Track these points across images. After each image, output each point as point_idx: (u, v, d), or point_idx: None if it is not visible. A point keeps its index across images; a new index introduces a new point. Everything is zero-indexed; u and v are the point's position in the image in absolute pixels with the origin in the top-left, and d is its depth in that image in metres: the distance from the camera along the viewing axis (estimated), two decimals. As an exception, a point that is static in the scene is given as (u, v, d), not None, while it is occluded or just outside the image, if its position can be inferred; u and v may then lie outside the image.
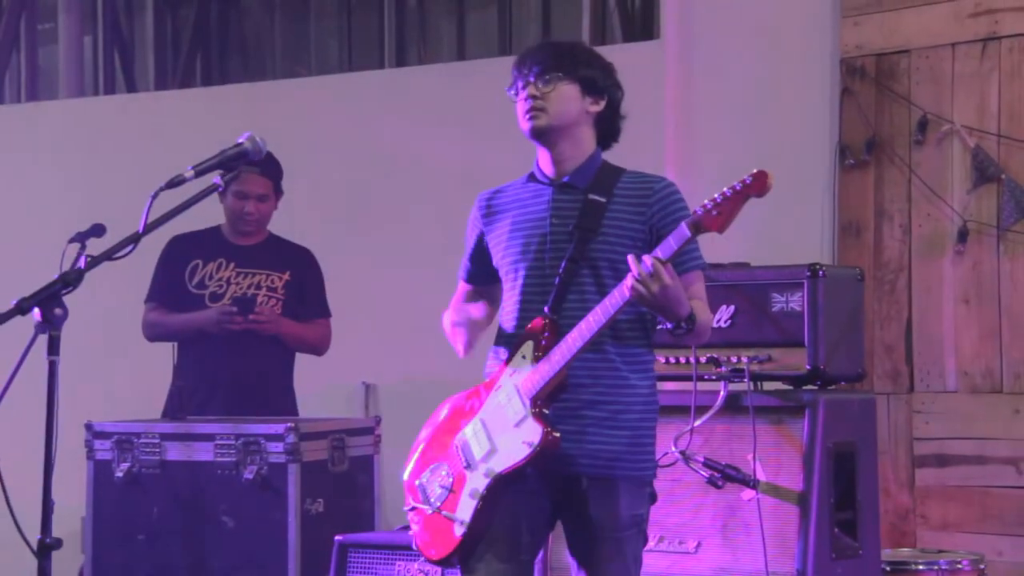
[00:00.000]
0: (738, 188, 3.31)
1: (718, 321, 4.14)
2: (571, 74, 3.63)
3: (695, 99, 5.79)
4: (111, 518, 5.20)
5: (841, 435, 4.05)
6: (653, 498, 3.61)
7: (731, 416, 4.01)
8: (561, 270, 3.55)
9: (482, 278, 3.82)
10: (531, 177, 3.73)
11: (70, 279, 3.01)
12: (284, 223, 5.79)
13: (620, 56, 6.54)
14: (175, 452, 5.11)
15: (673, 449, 3.99)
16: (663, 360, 4.19)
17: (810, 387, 4.09)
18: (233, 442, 5.00)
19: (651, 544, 4.08)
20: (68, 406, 5.27)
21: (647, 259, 3.32)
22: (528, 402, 3.47)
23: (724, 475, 3.95)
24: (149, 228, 3.05)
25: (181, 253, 5.66)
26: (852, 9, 5.72)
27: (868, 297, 5.46)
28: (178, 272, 5.65)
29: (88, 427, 5.27)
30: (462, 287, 3.90)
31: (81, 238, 5.15)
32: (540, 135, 3.63)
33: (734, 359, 4.10)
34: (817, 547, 3.94)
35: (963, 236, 5.51)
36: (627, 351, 3.54)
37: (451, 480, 3.58)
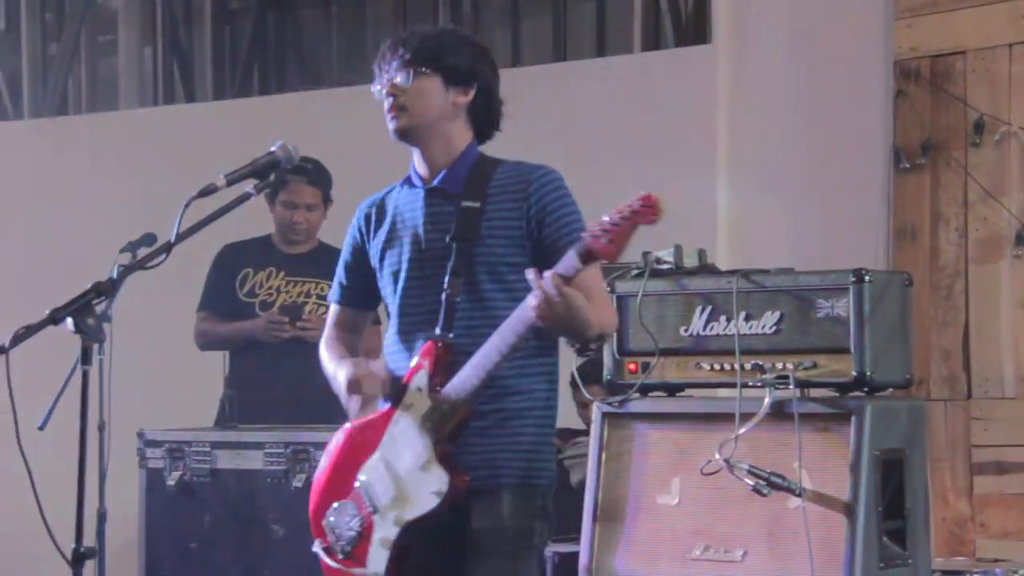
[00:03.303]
0: (627, 215, 3.09)
1: (763, 327, 4.08)
2: (431, 65, 3.40)
3: (747, 103, 5.75)
4: (163, 526, 5.25)
5: (889, 442, 3.98)
6: (547, 514, 3.45)
7: (776, 423, 3.95)
8: (446, 285, 3.38)
9: (359, 298, 3.63)
10: (407, 180, 3.55)
11: (103, 289, 3.02)
12: (335, 231, 5.80)
13: (672, 60, 6.61)
14: (225, 460, 5.14)
15: (717, 457, 3.94)
16: (707, 367, 4.14)
17: (857, 394, 4.04)
18: (282, 450, 5.02)
19: (696, 553, 4.04)
20: (121, 415, 5.38)
21: (548, 277, 3.12)
22: (431, 444, 3.31)
23: (769, 483, 3.89)
24: (180, 237, 3.05)
25: (232, 262, 5.70)
26: (906, 11, 5.66)
27: (924, 302, 5.39)
28: (229, 281, 5.69)
29: (140, 436, 5.32)
30: (334, 313, 3.68)
31: (132, 247, 5.20)
32: (404, 136, 3.45)
33: (779, 366, 4.04)
34: (865, 556, 3.87)
35: (1020, 239, 5.43)
36: (513, 359, 3.33)
37: (359, 524, 3.42)
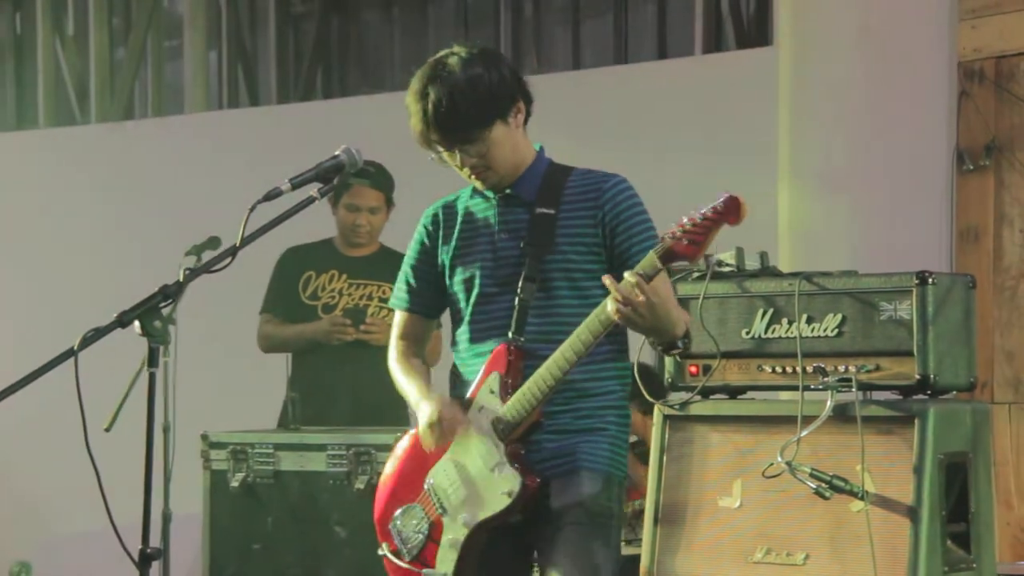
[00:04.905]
0: (710, 215, 3.10)
1: (825, 330, 4.07)
2: (492, 117, 3.37)
3: (809, 104, 5.73)
4: (227, 527, 5.28)
5: (953, 445, 3.95)
6: (622, 506, 3.47)
7: (838, 426, 3.93)
8: (519, 290, 3.38)
9: (428, 305, 3.61)
10: (476, 189, 3.54)
11: (170, 292, 3.04)
12: (397, 234, 5.83)
13: (734, 62, 6.60)
14: (288, 462, 5.16)
15: (779, 460, 3.93)
16: (769, 370, 4.14)
17: (920, 397, 4.02)
18: (344, 452, 5.05)
19: (758, 556, 4.03)
20: (186, 417, 5.43)
21: (627, 276, 3.14)
22: (502, 445, 3.33)
23: (832, 486, 3.87)
24: (246, 241, 3.08)
25: (294, 265, 5.74)
26: (969, 12, 5.62)
27: (988, 304, 5.35)
28: (292, 284, 5.72)
29: (204, 437, 5.35)
30: (401, 322, 3.64)
31: (197, 251, 5.25)
32: (497, 188, 3.45)
33: (841, 368, 4.03)
34: (929, 560, 3.85)
35: (1085, 241, 5.40)
36: (587, 363, 3.34)
37: (427, 526, 3.44)
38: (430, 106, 3.37)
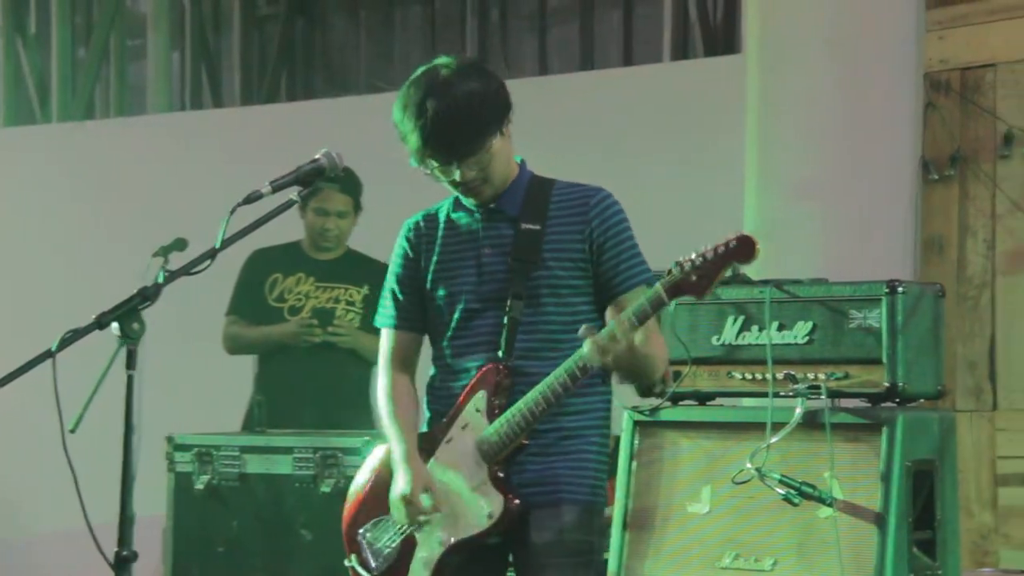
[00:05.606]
0: (721, 252, 3.07)
1: (795, 337, 4.10)
2: (494, 129, 3.32)
3: (777, 113, 5.75)
4: (191, 530, 5.26)
5: (920, 453, 3.99)
6: (605, 531, 3.42)
7: (807, 433, 3.96)
8: (508, 308, 3.33)
9: (417, 320, 3.51)
10: (457, 203, 3.48)
11: (149, 294, 3.04)
12: (364, 238, 5.83)
13: (701, 70, 6.62)
14: (254, 465, 5.15)
15: (749, 466, 3.95)
16: (739, 376, 4.16)
17: (888, 405, 4.05)
18: (311, 455, 5.03)
19: (726, 562, 4.05)
20: (149, 419, 5.39)
21: (622, 318, 3.10)
22: (486, 466, 3.28)
23: (800, 492, 3.90)
24: (226, 244, 3.07)
25: (261, 267, 5.73)
26: (936, 23, 5.66)
27: (950, 313, 5.39)
28: (258, 286, 5.71)
29: (169, 440, 5.33)
30: (391, 342, 3.53)
31: (164, 252, 5.23)
32: (486, 202, 3.40)
33: (811, 375, 4.06)
34: (895, 566, 3.88)
35: (1048, 252, 5.45)
36: None
37: (398, 543, 3.38)
38: (430, 121, 3.28)
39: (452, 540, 3.32)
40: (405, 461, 3.40)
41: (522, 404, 3.27)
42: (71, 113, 8.42)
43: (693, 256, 3.08)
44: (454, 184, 3.36)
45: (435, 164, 3.32)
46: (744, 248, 3.06)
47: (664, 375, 3.43)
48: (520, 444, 3.29)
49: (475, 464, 3.30)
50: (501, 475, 3.28)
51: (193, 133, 7.76)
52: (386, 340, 3.57)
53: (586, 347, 3.17)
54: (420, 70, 3.39)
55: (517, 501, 3.26)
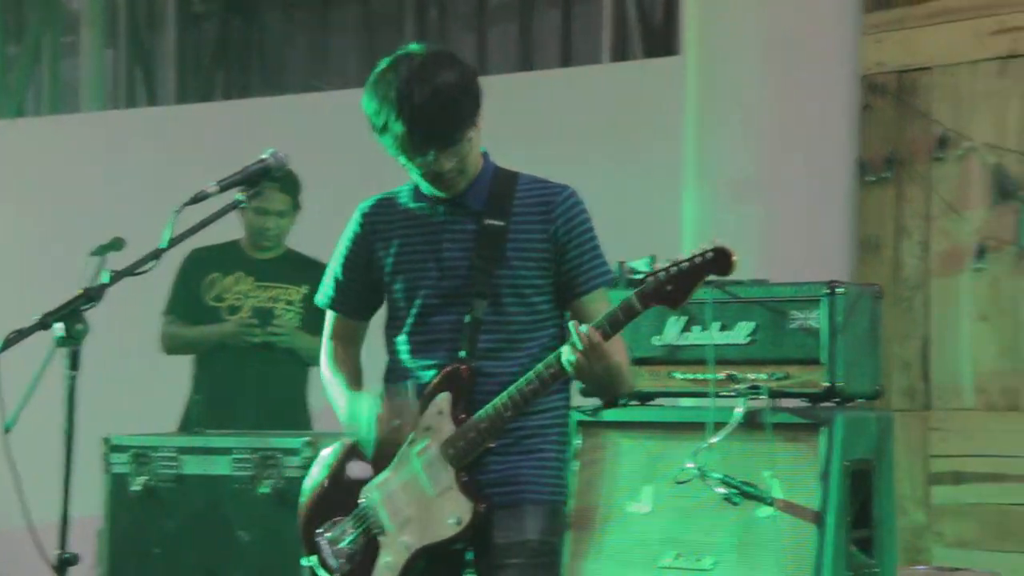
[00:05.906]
0: (697, 263, 2.99)
1: (737, 338, 4.12)
2: (474, 117, 3.20)
3: (716, 114, 5.78)
4: (127, 531, 5.19)
5: (858, 452, 4.03)
6: (565, 531, 3.37)
7: (748, 433, 3.99)
8: (472, 308, 3.24)
9: (359, 307, 3.43)
10: (417, 192, 3.36)
11: (93, 294, 3.01)
12: (302, 237, 5.80)
13: (641, 71, 6.64)
14: (192, 466, 5.10)
15: (690, 466, 3.97)
16: (681, 376, 4.18)
17: (828, 404, 4.08)
18: (250, 456, 4.99)
19: (668, 561, 4.07)
20: (85, 419, 5.34)
21: (587, 332, 3.01)
22: (452, 470, 3.20)
23: (741, 492, 3.92)
24: (172, 243, 3.04)
25: (199, 266, 5.68)
26: (873, 26, 5.71)
27: (885, 314, 5.44)
28: (196, 285, 5.67)
29: (105, 441, 5.27)
30: (333, 323, 3.46)
31: (102, 251, 5.17)
32: (454, 194, 3.28)
33: (752, 376, 4.08)
34: (834, 564, 3.92)
35: (982, 253, 5.50)
36: None
37: (360, 545, 3.30)
38: (417, 109, 3.13)
39: (418, 545, 3.24)
40: (360, 395, 3.33)
41: (490, 408, 3.20)
42: (3, 111, 8.33)
43: (668, 265, 3.03)
44: (433, 175, 3.24)
45: (416, 154, 3.20)
46: (720, 259, 2.99)
47: (630, 386, 3.36)
48: (486, 448, 3.22)
49: (441, 468, 3.23)
50: (466, 479, 3.21)
51: (127, 131, 7.68)
52: (328, 319, 3.51)
53: (566, 355, 3.09)
54: (391, 58, 3.25)
55: (484, 506, 3.20)
